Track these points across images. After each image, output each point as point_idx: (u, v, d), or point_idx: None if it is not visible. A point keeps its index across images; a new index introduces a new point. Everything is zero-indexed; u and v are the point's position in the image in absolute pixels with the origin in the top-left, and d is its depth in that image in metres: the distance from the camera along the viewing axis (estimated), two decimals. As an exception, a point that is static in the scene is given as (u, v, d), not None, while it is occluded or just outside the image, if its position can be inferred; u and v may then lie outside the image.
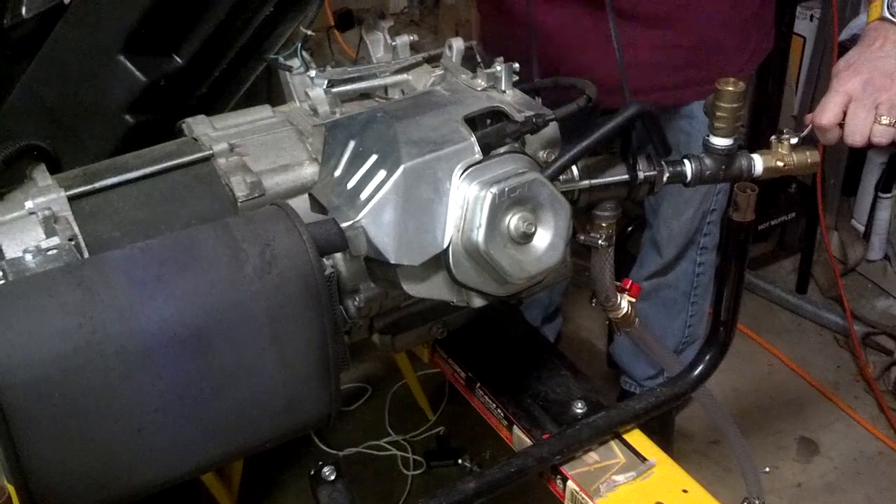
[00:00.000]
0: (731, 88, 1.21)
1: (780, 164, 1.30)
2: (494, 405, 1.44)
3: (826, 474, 2.50)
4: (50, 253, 1.00)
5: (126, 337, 0.89)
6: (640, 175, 1.23)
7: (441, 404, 2.61)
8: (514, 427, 1.40)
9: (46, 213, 1.06)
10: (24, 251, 1.00)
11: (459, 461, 2.41)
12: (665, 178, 1.25)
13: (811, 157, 1.31)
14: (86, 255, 1.04)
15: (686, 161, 1.26)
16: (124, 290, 0.91)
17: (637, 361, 2.45)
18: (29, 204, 1.07)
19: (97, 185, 1.10)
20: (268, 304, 0.96)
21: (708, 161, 1.26)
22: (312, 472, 1.22)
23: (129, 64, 1.23)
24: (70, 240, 1.03)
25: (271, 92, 1.49)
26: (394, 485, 2.42)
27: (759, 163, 1.29)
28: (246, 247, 0.97)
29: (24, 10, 1.45)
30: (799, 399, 2.73)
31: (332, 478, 1.21)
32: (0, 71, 1.37)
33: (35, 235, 1.06)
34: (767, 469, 2.49)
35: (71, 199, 1.08)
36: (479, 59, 1.33)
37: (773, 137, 1.31)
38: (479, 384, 1.48)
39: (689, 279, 2.30)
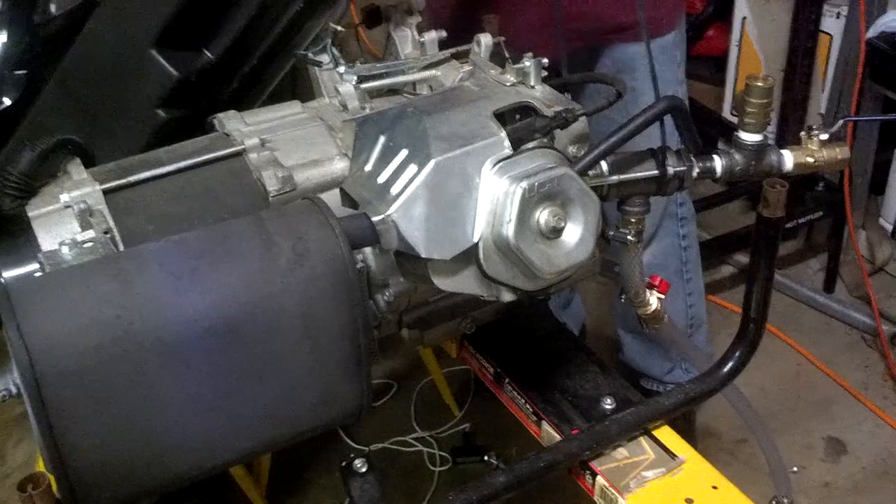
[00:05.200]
0: (760, 84, 1.21)
1: (809, 159, 1.29)
2: (523, 400, 1.45)
3: (854, 474, 2.48)
4: (86, 245, 1.01)
5: (162, 328, 0.90)
6: (670, 171, 1.23)
7: (467, 401, 2.62)
8: (543, 422, 1.40)
9: (82, 206, 1.07)
10: (61, 243, 1.01)
11: (485, 458, 2.41)
12: (695, 174, 1.24)
13: (841, 152, 1.31)
14: (121, 247, 1.06)
15: (716, 156, 1.26)
16: (160, 283, 0.92)
17: (651, 359, 2.44)
18: (65, 197, 1.08)
19: (131, 179, 1.12)
20: (300, 298, 0.97)
21: (738, 156, 1.26)
22: (344, 464, 1.22)
23: (161, 59, 1.24)
24: (105, 233, 1.04)
25: (296, 88, 1.50)
26: (420, 481, 2.43)
27: (788, 158, 1.28)
28: (279, 240, 0.98)
29: (53, 7, 1.47)
30: (826, 399, 2.71)
31: (364, 470, 1.21)
32: (31, 67, 1.39)
33: (70, 228, 1.07)
34: (795, 468, 2.47)
35: (105, 192, 1.10)
36: (507, 55, 1.33)
37: (802, 133, 1.31)
38: (507, 379, 1.48)
39: (678, 254, 2.27)
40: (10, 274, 1.06)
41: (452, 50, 1.37)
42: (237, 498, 2.19)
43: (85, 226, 1.05)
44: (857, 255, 2.93)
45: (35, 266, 1.04)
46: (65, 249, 1.00)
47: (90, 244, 1.02)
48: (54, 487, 0.93)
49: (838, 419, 2.64)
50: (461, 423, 2.57)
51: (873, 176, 2.99)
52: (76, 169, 1.13)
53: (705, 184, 1.28)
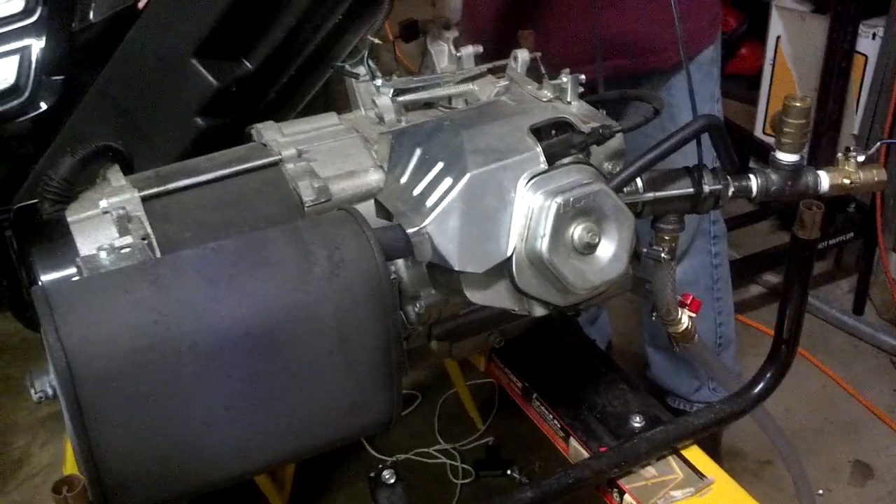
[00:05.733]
0: (798, 104, 1.21)
1: (846, 181, 1.28)
2: (551, 416, 1.44)
3: (881, 499, 2.45)
4: (123, 251, 1.02)
5: (198, 334, 0.91)
6: (706, 189, 1.22)
7: (491, 414, 2.61)
8: (571, 438, 1.40)
9: (120, 212, 1.08)
10: (99, 248, 1.02)
11: (508, 472, 2.41)
12: (730, 193, 1.24)
13: (878, 174, 1.30)
14: (158, 254, 1.06)
15: (752, 176, 1.25)
16: (197, 289, 0.93)
17: (679, 378, 2.42)
18: (103, 203, 1.09)
19: (169, 186, 1.13)
20: (335, 307, 0.98)
21: (774, 176, 1.25)
22: (372, 475, 1.22)
23: (201, 68, 1.26)
24: (143, 239, 1.06)
25: (329, 100, 1.51)
26: (442, 493, 2.43)
27: (825, 179, 1.28)
28: (315, 250, 0.98)
29: (92, 14, 1.49)
30: (854, 422, 2.68)
31: (392, 481, 1.22)
32: (68, 73, 1.40)
33: (108, 234, 1.08)
34: (821, 491, 2.45)
35: (144, 199, 1.11)
36: (544, 71, 1.33)
37: (839, 154, 1.30)
38: (535, 394, 1.48)
39: (709, 272, 2.26)
40: (48, 277, 1.07)
41: (489, 65, 1.37)
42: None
43: (123, 231, 1.06)
44: (888, 277, 2.90)
45: (73, 270, 1.05)
46: (103, 254, 1.01)
47: (128, 250, 1.03)
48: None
49: (865, 442, 2.61)
50: (484, 436, 2.57)
51: (905, 198, 2.97)
52: (115, 175, 1.14)
53: (735, 202, 1.28)
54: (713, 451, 2.40)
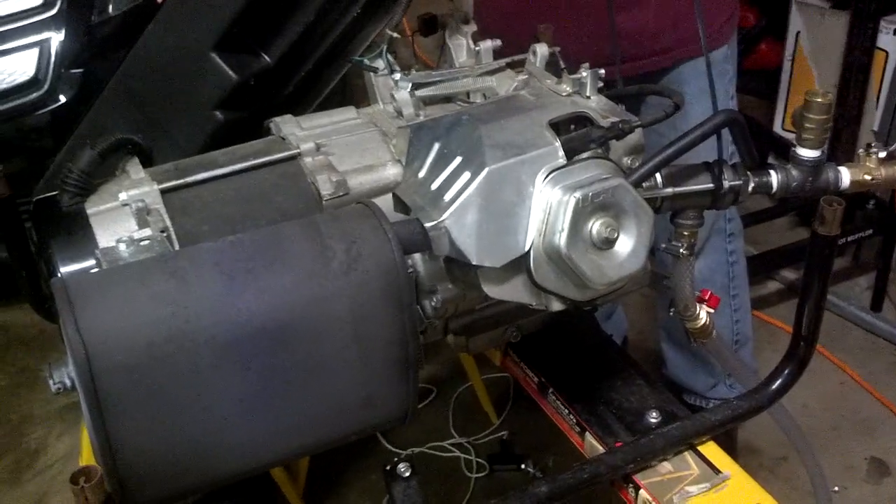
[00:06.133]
0: (819, 100, 1.20)
1: (867, 177, 1.28)
2: (567, 411, 1.44)
3: (897, 496, 2.45)
4: (142, 243, 1.03)
5: (217, 327, 0.91)
6: (726, 184, 1.22)
7: (505, 408, 2.61)
8: (587, 433, 1.40)
9: (139, 205, 1.09)
10: (118, 241, 1.03)
11: (522, 466, 2.41)
12: (751, 188, 1.23)
13: (899, 171, 1.29)
14: (176, 246, 1.07)
15: (772, 171, 1.25)
16: (216, 282, 0.93)
17: (695, 375, 2.42)
18: (123, 196, 1.10)
19: (188, 179, 1.13)
20: (352, 301, 0.98)
21: (794, 172, 1.25)
22: (388, 468, 1.23)
23: (220, 62, 1.26)
24: (162, 231, 1.06)
25: (346, 94, 1.51)
26: (456, 486, 2.43)
27: (846, 176, 1.27)
28: (332, 243, 0.98)
29: (110, 8, 1.50)
30: (870, 418, 2.67)
31: (408, 475, 1.22)
32: (87, 66, 1.41)
33: (128, 226, 1.09)
34: (836, 488, 2.43)
35: (163, 192, 1.11)
36: (563, 65, 1.33)
37: (860, 150, 1.29)
38: (551, 389, 1.48)
39: (725, 270, 2.25)
40: (67, 269, 1.08)
41: (508, 59, 1.37)
42: (275, 499, 2.20)
43: (142, 224, 1.07)
44: (906, 275, 2.89)
45: (92, 262, 1.06)
46: (122, 247, 1.02)
47: (146, 242, 1.03)
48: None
49: (882, 440, 2.59)
50: (499, 430, 2.57)
51: (925, 195, 2.95)
52: (134, 168, 1.15)
53: (754, 198, 1.27)
54: (729, 447, 2.39)
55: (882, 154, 1.28)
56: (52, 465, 2.56)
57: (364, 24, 1.33)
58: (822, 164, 1.25)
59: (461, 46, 1.42)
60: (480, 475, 2.45)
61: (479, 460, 2.48)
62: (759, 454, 2.53)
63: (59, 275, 1.07)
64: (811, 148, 1.22)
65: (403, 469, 1.22)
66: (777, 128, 3.30)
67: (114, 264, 1.00)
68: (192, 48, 1.27)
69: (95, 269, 1.03)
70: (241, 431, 0.99)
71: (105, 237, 1.09)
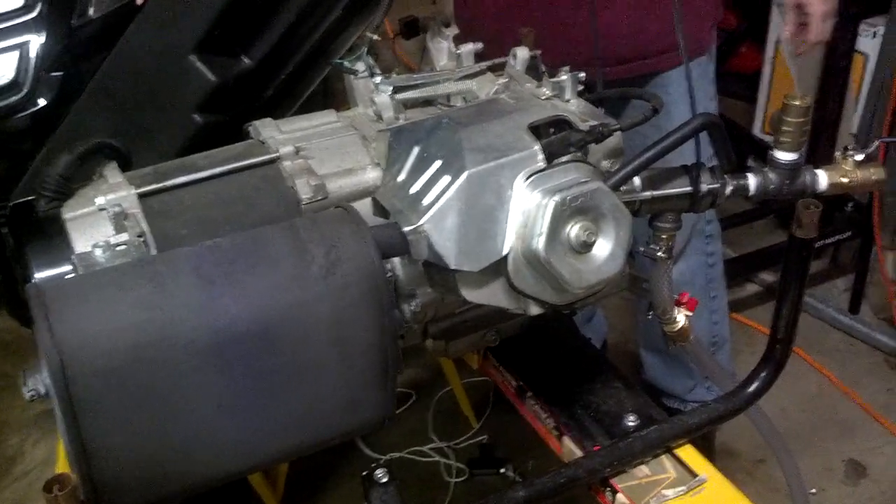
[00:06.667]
0: (797, 103, 1.21)
1: (844, 180, 1.28)
2: (545, 415, 1.44)
3: (874, 498, 2.46)
4: (119, 248, 1.02)
5: (195, 332, 0.91)
6: (703, 187, 1.22)
7: (485, 413, 2.61)
8: (565, 437, 1.40)
9: (116, 209, 1.08)
10: (94, 246, 1.02)
11: (502, 470, 2.41)
12: (728, 191, 1.24)
13: (876, 173, 1.30)
14: (154, 251, 1.06)
15: (750, 174, 1.25)
16: (194, 287, 0.92)
17: (674, 378, 2.43)
18: (100, 200, 1.09)
19: (166, 183, 1.12)
20: (331, 305, 0.97)
21: (772, 175, 1.25)
22: (365, 473, 1.22)
23: (200, 64, 1.25)
24: (139, 236, 1.05)
25: (327, 97, 1.51)
26: (436, 491, 2.42)
27: (823, 178, 1.28)
28: (312, 248, 0.98)
29: (91, 10, 1.48)
30: (848, 421, 2.69)
31: (385, 480, 1.21)
32: (67, 69, 1.40)
33: (105, 231, 1.08)
34: (814, 490, 2.45)
35: (141, 196, 1.10)
36: (543, 69, 1.33)
37: (837, 153, 1.30)
38: (530, 393, 1.48)
39: (704, 272, 2.27)
40: (43, 275, 1.07)
41: (488, 62, 1.37)
42: (254, 504, 2.19)
43: (119, 229, 1.06)
44: (884, 277, 2.90)
45: (68, 267, 1.05)
46: (98, 252, 1.01)
47: (123, 247, 1.02)
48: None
49: (859, 442, 2.61)
50: (479, 434, 2.57)
51: (903, 198, 2.97)
52: (112, 172, 1.14)
53: (732, 201, 1.28)
54: (707, 450, 2.40)
55: (859, 157, 1.29)
56: (29, 472, 2.54)
57: (345, 27, 1.33)
58: (800, 168, 1.25)
59: (442, 49, 1.42)
60: (460, 480, 2.45)
61: (459, 465, 2.48)
62: (737, 456, 2.54)
63: (34, 280, 1.06)
64: (788, 151, 1.23)
65: (381, 475, 1.22)
66: (757, 130, 3.32)
67: (90, 269, 0.99)
68: (172, 51, 1.26)
69: (72, 275, 1.02)
70: (221, 436, 0.98)
71: (82, 242, 1.07)
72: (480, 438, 2.55)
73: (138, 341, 0.89)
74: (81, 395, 0.89)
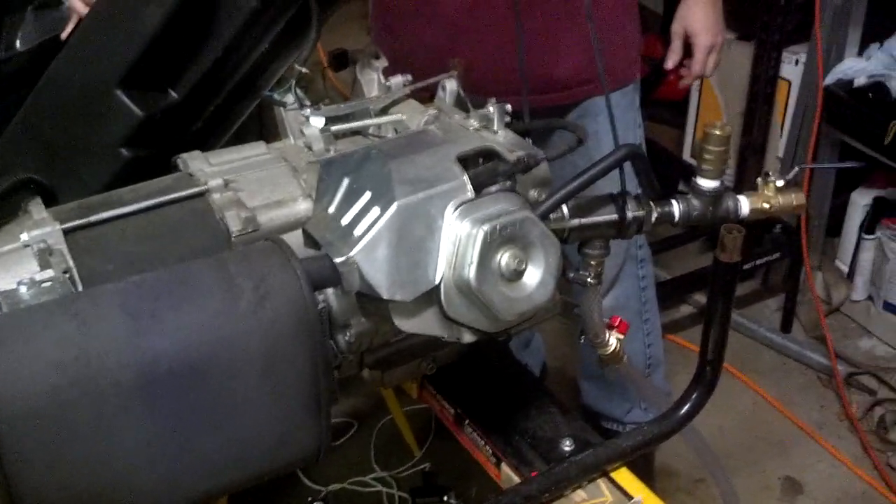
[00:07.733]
0: (718, 132, 1.24)
1: (766, 205, 1.32)
2: (483, 442, 1.45)
3: (810, 514, 2.51)
4: (44, 285, 1.00)
5: (121, 370, 0.89)
6: (629, 215, 1.25)
7: (427, 440, 2.61)
8: (503, 464, 1.40)
9: (41, 245, 1.06)
10: (19, 283, 1.00)
11: (445, 498, 2.39)
12: (654, 219, 1.26)
13: (797, 199, 1.33)
14: (80, 288, 1.05)
15: (674, 202, 1.28)
16: (119, 324, 0.91)
17: (610, 401, 2.46)
18: (24, 237, 1.07)
19: (92, 218, 1.11)
20: (261, 340, 0.97)
21: (695, 202, 1.28)
22: (302, 508, 1.21)
23: (125, 98, 1.24)
24: (65, 272, 1.03)
25: (262, 128, 1.51)
26: (379, 522, 2.42)
27: (745, 204, 1.31)
28: (240, 281, 0.97)
29: (18, 44, 1.47)
30: (783, 438, 2.74)
31: (322, 513, 1.21)
32: (-7, 104, 1.38)
33: (29, 268, 1.06)
34: (752, 508, 2.49)
35: (66, 232, 1.09)
36: (470, 101, 1.35)
37: (758, 179, 1.33)
38: (467, 420, 1.49)
39: (637, 295, 2.31)
40: (-34, 313, 1.05)
41: (408, 88, 1.38)
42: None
43: (44, 265, 1.04)
44: (814, 296, 2.97)
45: (-8, 306, 1.03)
46: (23, 289, 0.99)
47: (48, 284, 1.00)
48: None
49: (795, 459, 2.66)
50: (421, 462, 2.57)
51: (829, 218, 3.06)
52: (37, 208, 1.12)
53: (665, 225, 1.31)
54: (646, 471, 2.44)
55: (780, 182, 1.32)
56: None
57: (273, 60, 1.33)
58: (722, 194, 1.28)
59: (372, 81, 1.43)
60: (403, 509, 2.44)
61: (402, 494, 2.47)
62: (676, 477, 2.57)
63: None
64: (711, 178, 1.26)
65: (319, 507, 1.21)
66: (686, 156, 3.39)
67: (15, 307, 0.97)
68: (97, 85, 1.25)
69: (-5, 313, 1.00)
70: (152, 475, 0.96)
71: (5, 280, 1.05)
72: (423, 466, 2.55)
73: (62, 381, 0.87)
74: (6, 437, 0.87)
